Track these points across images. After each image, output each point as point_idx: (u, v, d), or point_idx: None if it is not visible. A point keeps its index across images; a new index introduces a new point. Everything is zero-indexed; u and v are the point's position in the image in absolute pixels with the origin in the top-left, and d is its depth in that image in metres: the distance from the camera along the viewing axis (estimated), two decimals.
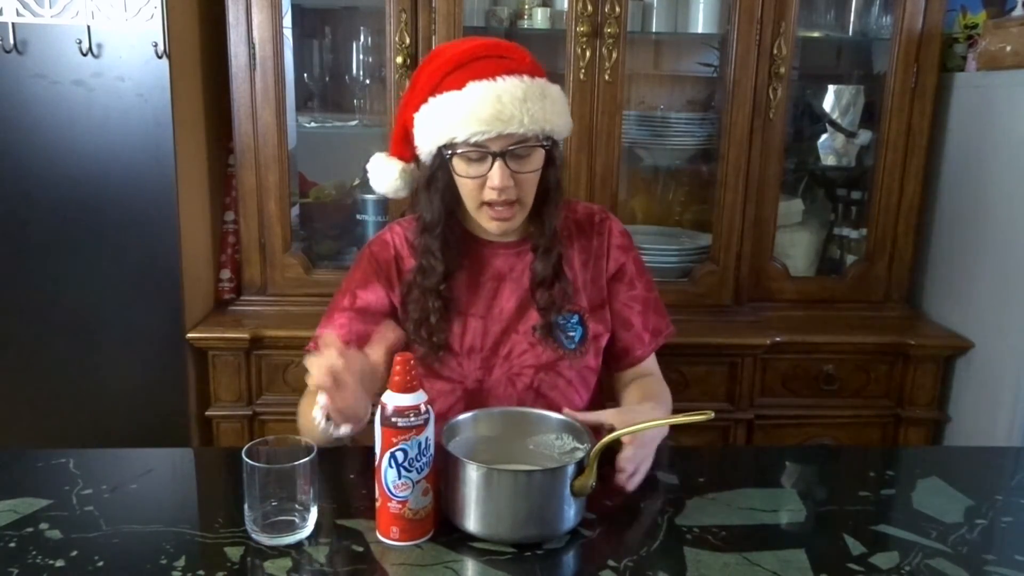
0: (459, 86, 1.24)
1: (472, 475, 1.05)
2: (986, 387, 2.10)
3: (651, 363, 1.50)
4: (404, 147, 1.36)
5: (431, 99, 1.27)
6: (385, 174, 1.39)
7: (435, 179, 1.32)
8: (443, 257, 1.35)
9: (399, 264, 1.41)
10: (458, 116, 1.23)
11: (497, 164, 1.25)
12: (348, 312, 1.39)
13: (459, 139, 1.24)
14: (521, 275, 1.40)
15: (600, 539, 1.09)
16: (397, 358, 1.04)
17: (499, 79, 1.23)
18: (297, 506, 1.07)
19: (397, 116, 1.39)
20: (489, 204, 1.29)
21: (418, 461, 1.04)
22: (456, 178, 1.30)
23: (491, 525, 1.06)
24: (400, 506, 1.05)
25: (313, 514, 1.08)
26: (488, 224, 1.33)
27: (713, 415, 1.05)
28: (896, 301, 2.31)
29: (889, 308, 2.31)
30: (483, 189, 1.28)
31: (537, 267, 1.37)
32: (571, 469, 1.06)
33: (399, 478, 1.04)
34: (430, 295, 1.35)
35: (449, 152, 1.27)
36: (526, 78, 1.25)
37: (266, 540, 1.06)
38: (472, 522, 1.06)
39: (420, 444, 1.04)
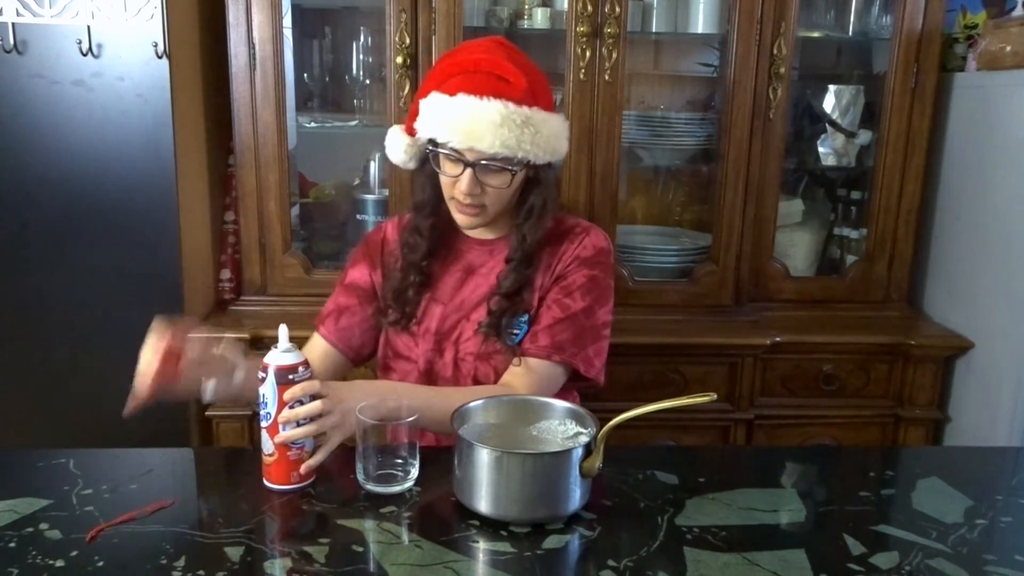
0: (452, 92, 1.33)
1: (485, 458, 1.10)
2: (986, 387, 2.10)
3: (526, 372, 1.39)
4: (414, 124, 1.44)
5: (433, 93, 1.36)
6: (396, 145, 1.46)
7: (426, 164, 1.43)
8: (428, 236, 1.46)
9: (384, 247, 1.54)
10: (443, 120, 1.34)
11: (467, 172, 1.34)
12: (340, 287, 1.54)
13: (439, 140, 1.35)
14: (490, 272, 1.47)
15: (600, 539, 1.09)
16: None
17: (485, 99, 1.31)
18: (398, 460, 1.19)
19: (417, 94, 1.46)
20: (458, 200, 1.39)
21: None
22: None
23: (503, 506, 1.10)
24: (299, 451, 1.18)
25: (415, 468, 1.19)
26: (455, 215, 1.43)
27: (715, 396, 1.12)
28: (896, 301, 2.31)
29: (889, 308, 2.31)
30: (455, 187, 1.37)
31: (504, 282, 1.43)
32: (580, 451, 1.11)
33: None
34: (412, 269, 1.47)
35: (432, 148, 1.38)
36: (511, 104, 1.31)
37: (377, 488, 1.17)
38: (484, 503, 1.10)
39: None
